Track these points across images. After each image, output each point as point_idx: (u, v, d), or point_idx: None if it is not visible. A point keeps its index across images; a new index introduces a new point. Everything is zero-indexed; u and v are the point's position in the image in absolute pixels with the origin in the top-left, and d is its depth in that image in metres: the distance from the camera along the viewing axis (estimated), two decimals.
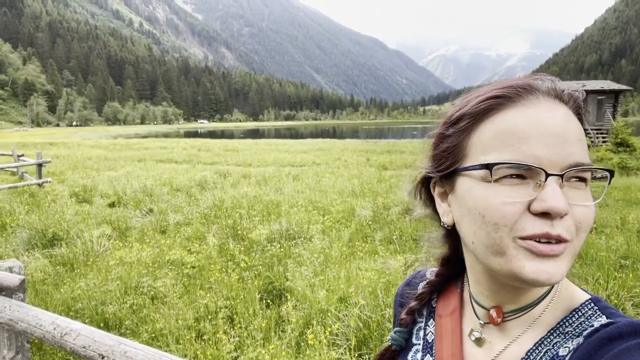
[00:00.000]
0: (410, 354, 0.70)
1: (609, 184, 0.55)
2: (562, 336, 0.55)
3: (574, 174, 0.51)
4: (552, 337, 0.56)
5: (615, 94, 26.92)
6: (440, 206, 0.62)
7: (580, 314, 0.56)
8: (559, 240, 0.49)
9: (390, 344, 0.73)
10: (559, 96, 0.54)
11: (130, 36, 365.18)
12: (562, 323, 0.56)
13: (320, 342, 3.31)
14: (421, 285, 0.75)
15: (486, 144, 0.54)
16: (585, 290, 0.60)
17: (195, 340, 3.65)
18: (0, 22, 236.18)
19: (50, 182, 12.17)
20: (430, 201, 0.66)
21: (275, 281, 4.82)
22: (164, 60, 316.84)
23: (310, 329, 3.48)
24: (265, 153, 26.35)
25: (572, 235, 0.50)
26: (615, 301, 4.05)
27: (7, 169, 14.19)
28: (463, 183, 0.56)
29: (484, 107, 0.55)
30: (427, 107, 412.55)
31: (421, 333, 0.71)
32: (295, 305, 4.23)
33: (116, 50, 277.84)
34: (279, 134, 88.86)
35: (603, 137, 25.58)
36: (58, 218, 7.18)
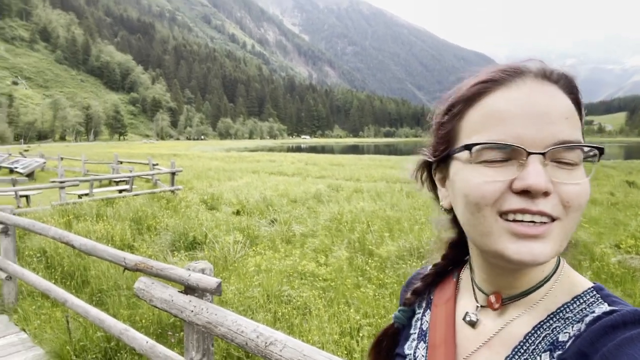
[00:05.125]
0: (407, 343, 0.72)
1: (599, 160, 0.55)
2: (562, 321, 0.55)
3: (559, 152, 0.51)
4: (551, 321, 0.55)
5: None
6: (440, 191, 0.65)
7: (581, 300, 0.56)
8: (545, 215, 0.50)
9: (393, 322, 0.75)
10: (547, 76, 0.55)
11: (243, 57, 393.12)
12: (562, 308, 0.56)
13: None
14: (430, 268, 0.75)
15: (472, 127, 0.55)
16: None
17: (346, 356, 3.50)
18: (135, 47, 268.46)
19: (180, 189, 13.20)
20: (433, 186, 0.68)
21: None
22: (272, 79, 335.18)
23: None
24: (372, 169, 26.17)
25: (559, 213, 0.50)
26: None
27: (144, 176, 15.77)
28: (454, 166, 0.58)
29: (473, 91, 0.57)
30: None
31: (418, 323, 0.73)
32: None
33: (230, 70, 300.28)
34: (378, 150, 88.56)
35: None
36: (196, 223, 7.65)
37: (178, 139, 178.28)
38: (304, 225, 8.21)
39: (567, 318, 0.55)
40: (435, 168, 0.65)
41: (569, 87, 0.56)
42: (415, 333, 0.72)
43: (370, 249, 6.39)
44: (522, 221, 0.50)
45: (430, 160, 0.64)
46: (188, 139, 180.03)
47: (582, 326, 0.51)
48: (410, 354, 0.70)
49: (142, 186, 15.71)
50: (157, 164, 17.40)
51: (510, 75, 0.55)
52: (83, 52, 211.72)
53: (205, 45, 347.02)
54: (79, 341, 3.62)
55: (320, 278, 5.41)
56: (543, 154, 0.50)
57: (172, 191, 12.75)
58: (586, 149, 0.53)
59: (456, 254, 0.72)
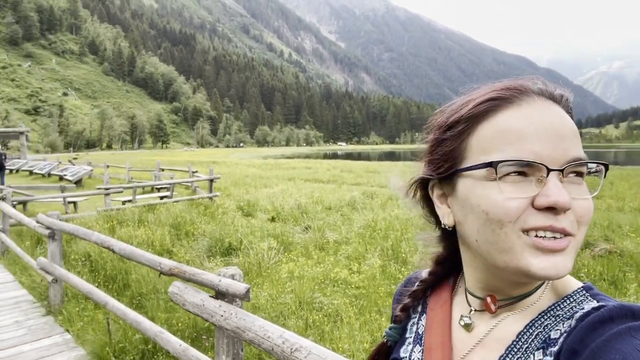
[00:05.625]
0: (403, 347, 0.72)
1: (605, 177, 0.56)
2: (553, 319, 0.56)
3: (572, 169, 0.53)
4: (542, 319, 0.57)
5: None
6: (440, 208, 0.63)
7: (571, 299, 0.57)
8: (564, 233, 0.51)
9: (385, 340, 0.76)
10: (551, 96, 0.57)
11: (281, 66, 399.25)
12: (552, 307, 0.57)
13: None
14: (417, 284, 0.76)
15: (486, 144, 0.55)
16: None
17: None
18: (177, 58, 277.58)
19: (218, 196, 13.51)
20: (426, 203, 0.68)
21: None
22: (308, 86, 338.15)
23: None
24: (408, 175, 25.82)
25: (575, 229, 0.52)
26: None
27: (183, 183, 16.25)
28: (464, 183, 0.58)
29: (482, 109, 0.57)
30: (584, 130, 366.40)
31: (414, 327, 0.73)
32: None
33: (268, 79, 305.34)
34: (415, 156, 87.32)
35: None
36: (232, 229, 7.81)
37: (217, 146, 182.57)
38: (337, 233, 8.22)
39: (558, 316, 0.56)
40: (434, 185, 0.64)
41: (568, 107, 0.58)
42: (410, 337, 0.72)
43: (403, 257, 6.32)
44: (544, 237, 0.51)
45: (430, 177, 0.63)
46: (227, 146, 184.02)
47: (573, 322, 0.53)
48: (406, 357, 0.70)
49: (182, 193, 16.18)
50: (196, 171, 17.89)
51: (519, 93, 0.56)
52: (128, 64, 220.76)
53: (243, 55, 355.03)
54: (119, 342, 3.77)
55: (353, 286, 5.40)
56: (561, 170, 0.52)
57: (210, 198, 13.06)
58: (590, 165, 0.55)
59: (443, 270, 0.73)
